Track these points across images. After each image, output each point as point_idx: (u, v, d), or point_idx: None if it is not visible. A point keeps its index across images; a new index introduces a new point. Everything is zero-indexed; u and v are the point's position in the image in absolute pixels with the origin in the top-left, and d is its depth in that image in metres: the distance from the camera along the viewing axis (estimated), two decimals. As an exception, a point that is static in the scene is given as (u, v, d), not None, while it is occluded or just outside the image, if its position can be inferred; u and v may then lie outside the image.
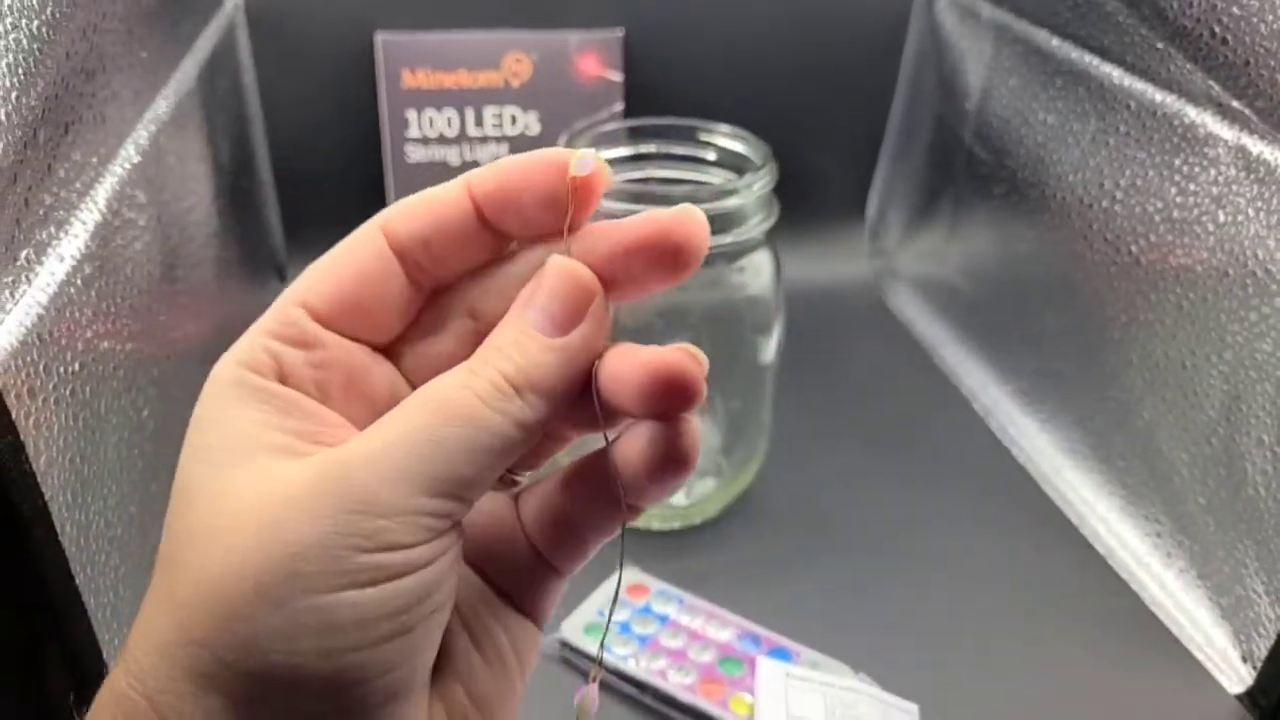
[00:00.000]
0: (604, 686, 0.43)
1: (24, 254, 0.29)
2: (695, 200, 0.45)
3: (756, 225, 0.46)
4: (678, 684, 0.41)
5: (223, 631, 0.19)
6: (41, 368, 0.27)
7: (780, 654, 0.43)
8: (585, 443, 0.24)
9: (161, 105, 0.43)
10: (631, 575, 0.48)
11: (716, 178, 0.50)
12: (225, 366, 0.21)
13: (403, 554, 0.19)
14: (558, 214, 0.22)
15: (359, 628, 0.19)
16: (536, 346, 0.21)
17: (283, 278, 0.70)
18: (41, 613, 0.28)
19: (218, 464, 0.20)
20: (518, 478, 0.25)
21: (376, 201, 0.64)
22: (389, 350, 0.23)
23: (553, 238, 0.22)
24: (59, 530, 0.28)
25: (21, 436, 0.26)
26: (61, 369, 0.29)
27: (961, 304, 0.68)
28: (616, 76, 0.66)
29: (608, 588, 0.47)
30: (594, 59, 0.65)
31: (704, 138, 0.51)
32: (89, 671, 0.29)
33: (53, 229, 0.31)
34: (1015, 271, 0.61)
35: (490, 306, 0.23)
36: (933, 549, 0.52)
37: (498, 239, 0.22)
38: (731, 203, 0.45)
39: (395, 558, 0.19)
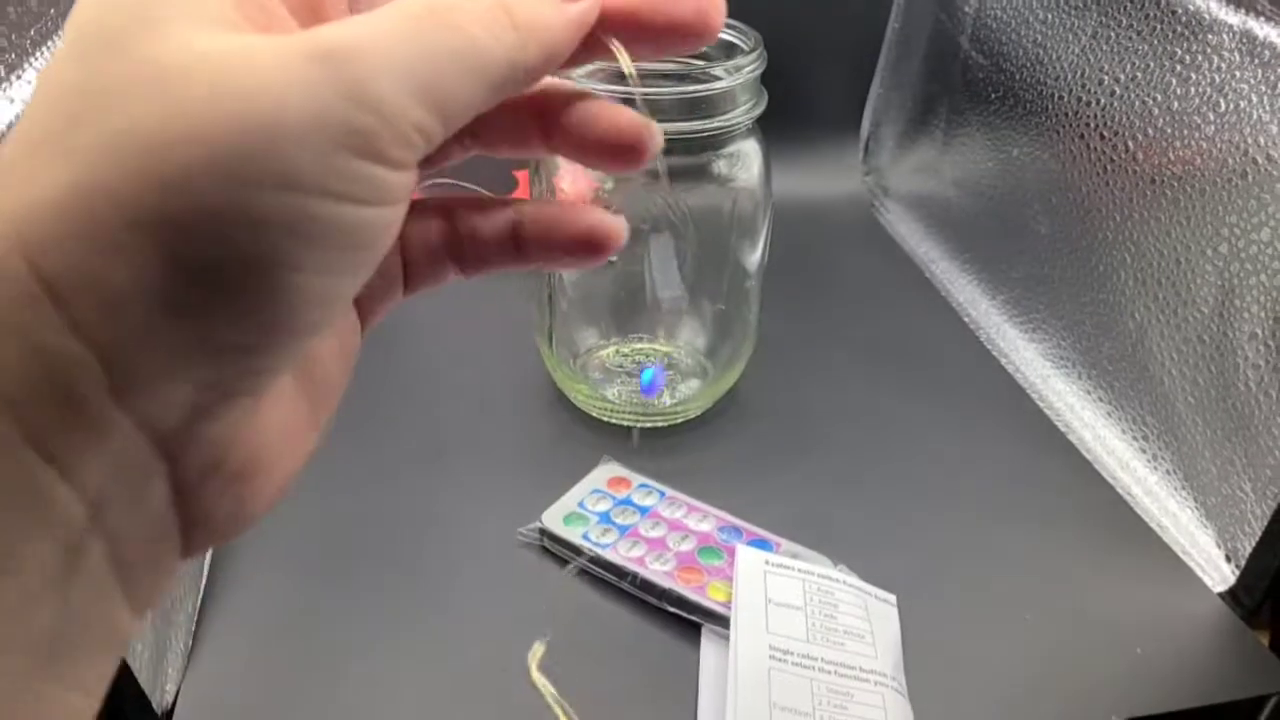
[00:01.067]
0: (582, 573, 0.42)
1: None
2: (683, 81, 0.44)
3: (745, 111, 0.45)
4: (656, 570, 0.41)
5: (151, 191, 0.15)
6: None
7: (760, 544, 0.43)
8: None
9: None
10: (613, 469, 0.47)
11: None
12: None
13: (385, 172, 0.16)
14: None
15: (322, 247, 0.16)
16: (545, 3, 0.19)
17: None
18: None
19: (156, 12, 0.16)
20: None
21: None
22: None
23: None
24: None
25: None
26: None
27: (954, 218, 0.67)
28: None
29: (588, 481, 0.46)
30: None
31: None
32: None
33: (1, 70, 0.29)
34: (1009, 179, 0.59)
35: None
36: (916, 451, 0.51)
37: None
38: (719, 85, 0.43)
39: (382, 174, 0.16)
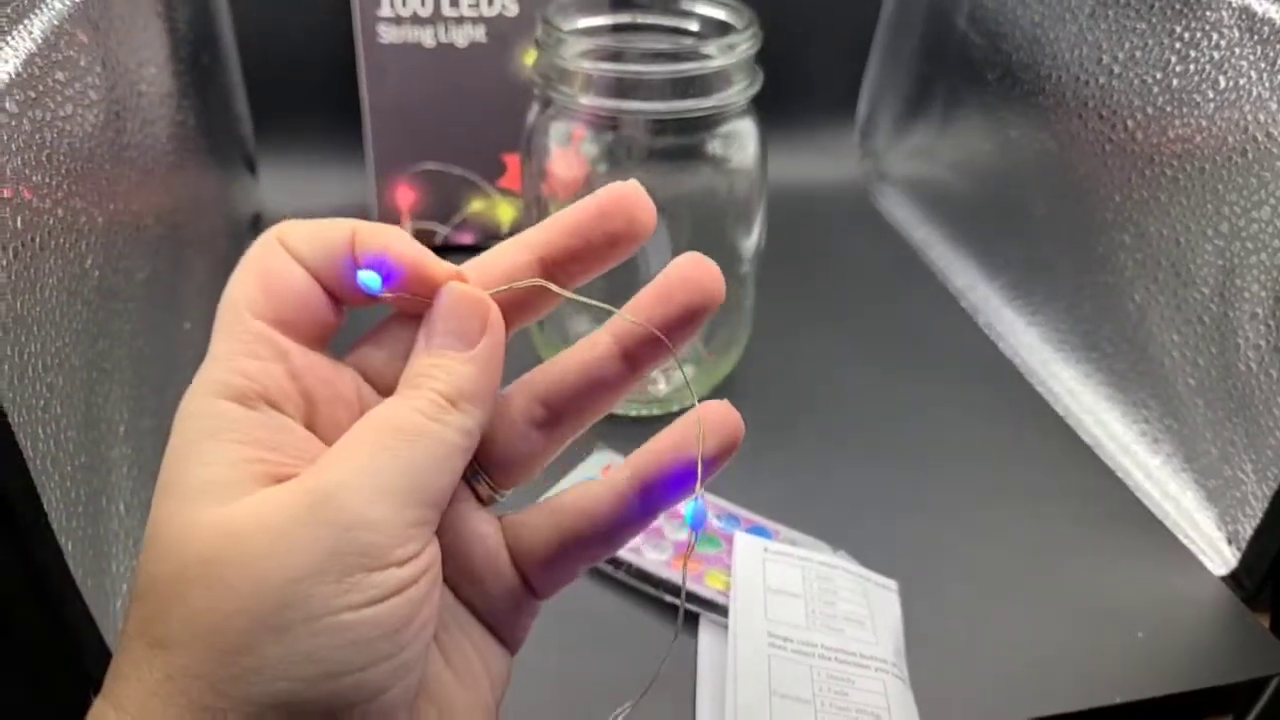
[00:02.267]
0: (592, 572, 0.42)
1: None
2: (676, 60, 0.43)
3: (740, 91, 0.44)
4: (653, 559, 0.40)
5: (219, 665, 0.19)
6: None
7: (759, 532, 0.42)
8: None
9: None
10: (607, 458, 0.47)
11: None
12: (198, 399, 0.21)
13: (396, 571, 0.20)
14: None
15: (359, 649, 0.20)
16: (454, 363, 0.23)
17: (253, 170, 0.68)
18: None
19: (189, 500, 0.20)
20: (498, 495, 0.26)
21: (347, 85, 0.62)
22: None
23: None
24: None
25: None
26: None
27: (951, 202, 0.67)
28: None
29: (582, 469, 0.45)
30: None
31: (685, 6, 0.49)
32: (23, 508, 0.28)
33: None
34: (1007, 161, 0.59)
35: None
36: (915, 437, 0.51)
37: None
38: (713, 64, 0.43)
39: (391, 575, 0.20)
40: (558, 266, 0.24)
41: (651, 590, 0.40)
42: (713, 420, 0.25)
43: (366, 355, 0.25)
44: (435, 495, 0.21)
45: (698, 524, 0.24)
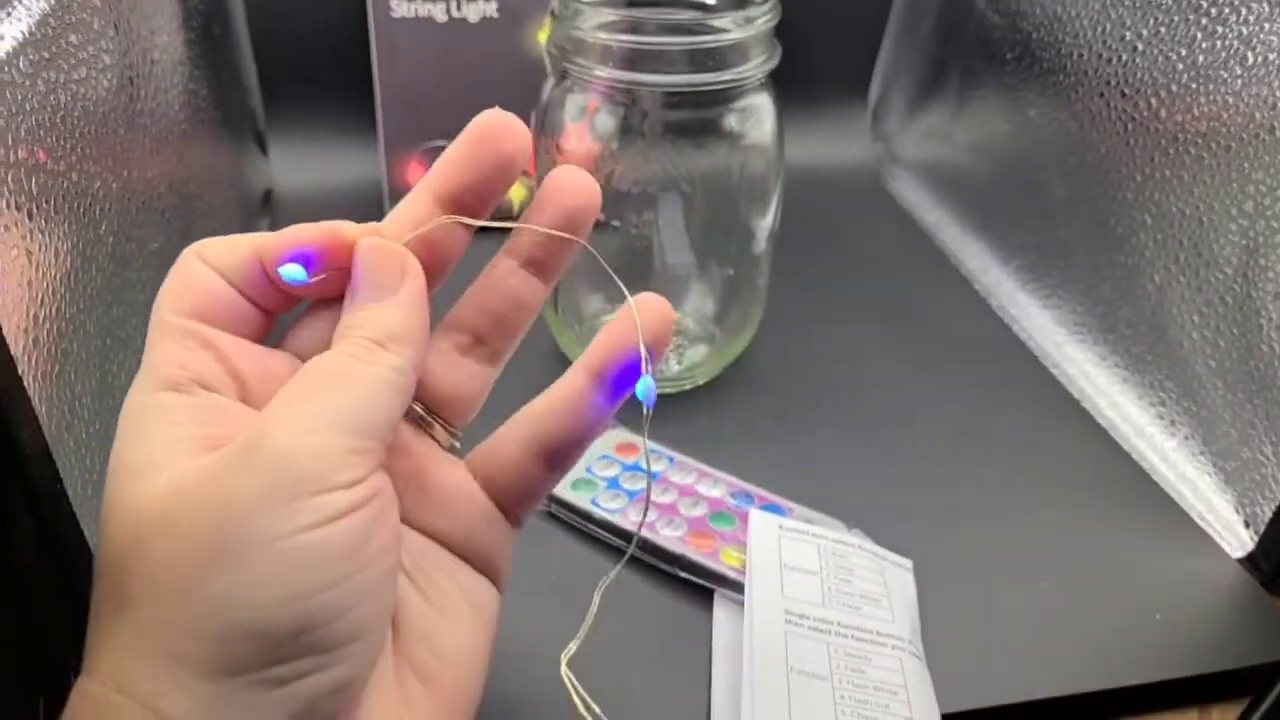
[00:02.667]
0: (591, 540, 0.42)
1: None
2: (693, 32, 0.43)
3: (757, 65, 0.43)
4: (668, 536, 0.40)
5: (182, 606, 0.20)
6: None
7: (773, 509, 0.42)
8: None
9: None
10: (620, 435, 0.46)
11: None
12: (137, 395, 0.23)
13: (343, 494, 0.21)
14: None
15: (314, 571, 0.21)
16: (378, 311, 0.24)
17: (263, 148, 0.67)
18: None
19: (136, 475, 0.22)
20: (455, 438, 0.28)
21: (358, 60, 0.61)
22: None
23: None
24: (2, 327, 0.26)
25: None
26: (1, 150, 0.26)
27: (965, 185, 0.66)
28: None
29: (596, 447, 0.45)
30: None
31: (702, -21, 0.48)
32: (39, 475, 0.27)
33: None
34: (1024, 142, 0.58)
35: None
36: (929, 417, 0.50)
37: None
38: (731, 37, 0.42)
39: (337, 498, 0.21)
40: (458, 204, 0.26)
41: (666, 567, 0.40)
42: (646, 308, 0.27)
43: (296, 338, 0.26)
44: (372, 426, 0.22)
45: (650, 401, 0.27)
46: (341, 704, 0.22)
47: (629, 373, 0.27)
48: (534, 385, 0.29)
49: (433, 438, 0.28)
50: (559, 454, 0.28)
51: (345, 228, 0.25)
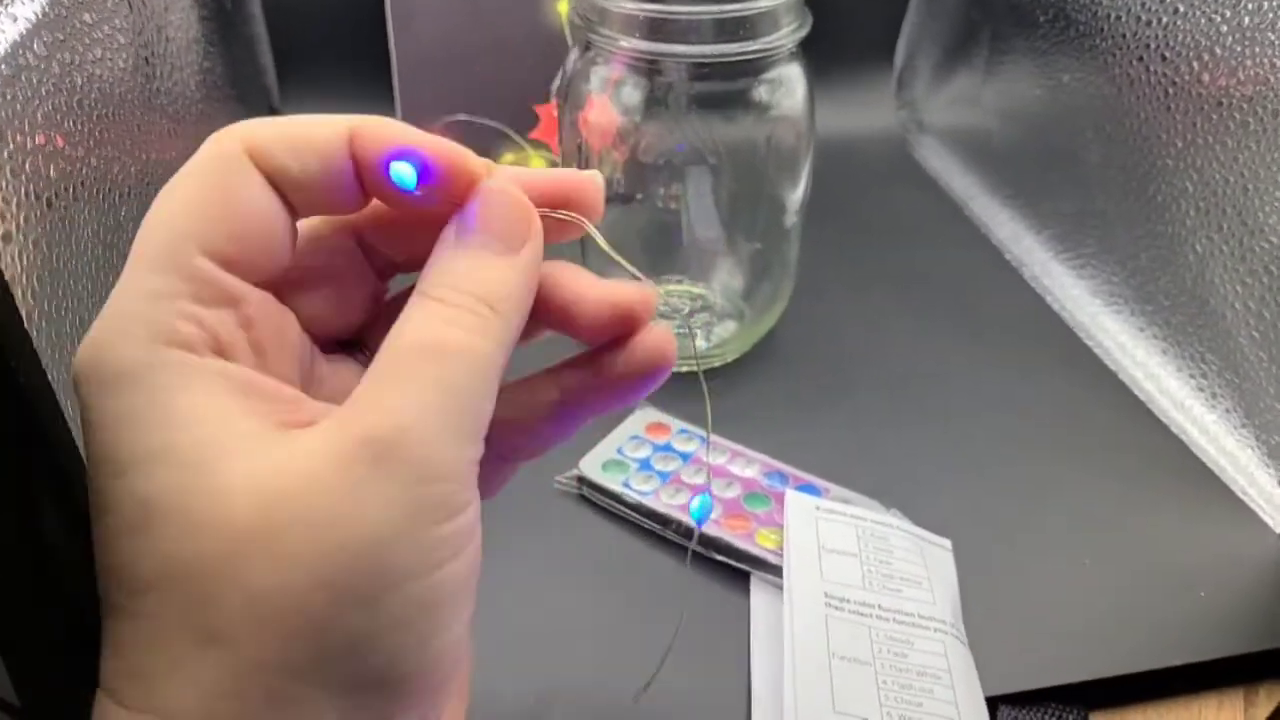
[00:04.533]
0: (623, 522, 0.41)
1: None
2: (720, 1, 0.41)
3: (788, 33, 0.42)
4: (700, 518, 0.39)
5: (302, 650, 0.17)
6: (-5, 128, 0.24)
7: (809, 490, 0.41)
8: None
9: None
10: (651, 415, 0.45)
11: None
12: (138, 347, 0.17)
13: (465, 516, 0.18)
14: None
15: (453, 605, 0.18)
16: (497, 267, 0.20)
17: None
18: (13, 406, 0.26)
19: (200, 466, 0.17)
20: None
21: (374, 34, 0.60)
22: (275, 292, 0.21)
23: None
24: (25, 319, 0.25)
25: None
26: (18, 136, 0.26)
27: (994, 152, 0.64)
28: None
29: (626, 427, 0.44)
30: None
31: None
32: (70, 475, 0.27)
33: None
34: (1058, 108, 0.57)
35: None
36: (964, 392, 0.50)
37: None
38: (760, 4, 0.41)
39: (463, 521, 0.18)
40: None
41: (700, 550, 0.39)
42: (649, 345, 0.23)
43: (295, 290, 0.21)
44: (485, 423, 0.19)
45: (703, 518, 0.26)
46: None
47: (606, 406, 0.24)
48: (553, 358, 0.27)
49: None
50: (520, 452, 0.24)
51: (470, 155, 0.21)
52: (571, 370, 0.23)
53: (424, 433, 0.17)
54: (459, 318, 0.19)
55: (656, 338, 0.23)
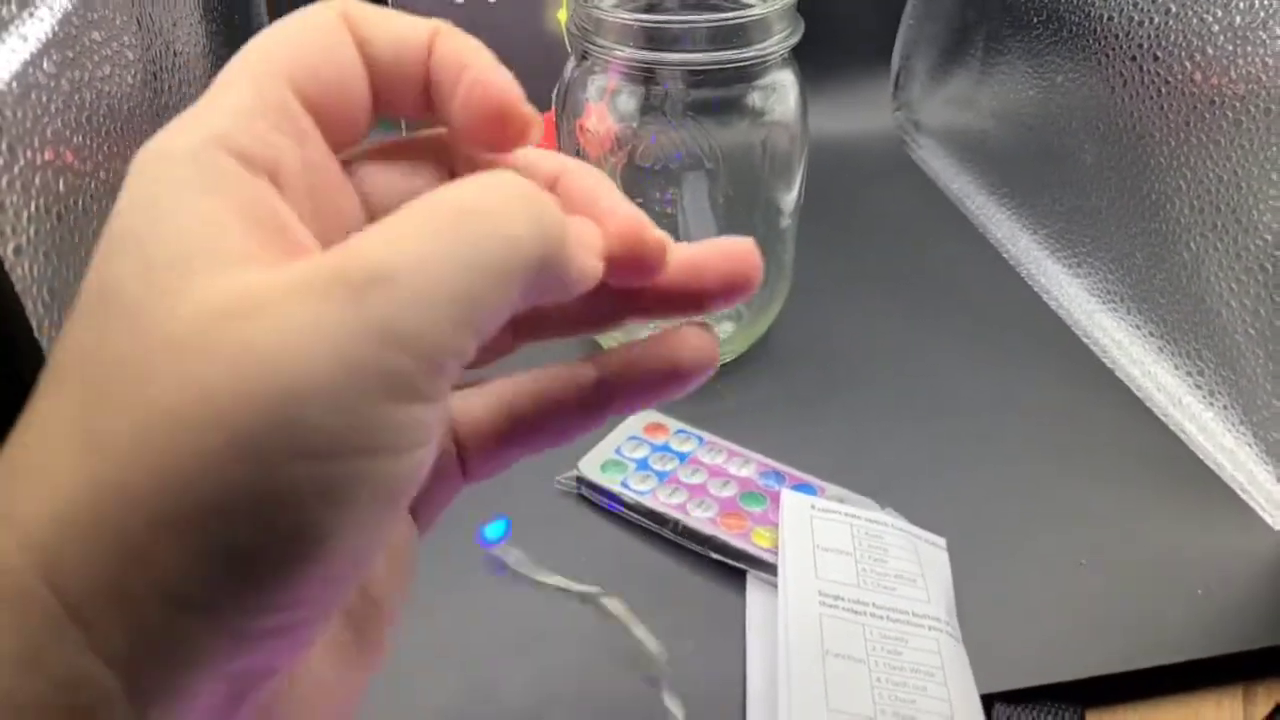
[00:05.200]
0: (622, 522, 0.42)
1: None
2: (713, 10, 0.42)
3: (780, 40, 0.43)
4: (699, 517, 0.40)
5: (167, 493, 0.14)
6: (4, 146, 0.25)
7: (804, 489, 0.42)
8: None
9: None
10: (649, 415, 0.46)
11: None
12: (189, 138, 0.16)
13: (422, 412, 0.15)
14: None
15: (355, 508, 0.14)
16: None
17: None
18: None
19: (162, 264, 0.15)
20: None
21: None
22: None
23: None
24: (36, 329, 0.26)
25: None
26: (29, 152, 0.26)
27: (990, 152, 0.65)
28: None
29: (625, 427, 0.45)
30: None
31: (723, -48, 0.47)
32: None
33: (13, 6, 0.28)
34: (1052, 108, 0.57)
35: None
36: (960, 391, 0.50)
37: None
38: (753, 13, 0.41)
39: (418, 416, 0.15)
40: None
41: (697, 549, 0.40)
42: (692, 341, 0.22)
43: (370, 175, 0.20)
44: (490, 325, 0.16)
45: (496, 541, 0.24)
46: (287, 664, 0.17)
47: (645, 397, 0.23)
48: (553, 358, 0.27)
49: None
50: (534, 441, 0.22)
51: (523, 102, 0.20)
52: (612, 356, 0.22)
53: (414, 284, 0.14)
54: (506, 199, 0.16)
55: (703, 337, 0.22)
